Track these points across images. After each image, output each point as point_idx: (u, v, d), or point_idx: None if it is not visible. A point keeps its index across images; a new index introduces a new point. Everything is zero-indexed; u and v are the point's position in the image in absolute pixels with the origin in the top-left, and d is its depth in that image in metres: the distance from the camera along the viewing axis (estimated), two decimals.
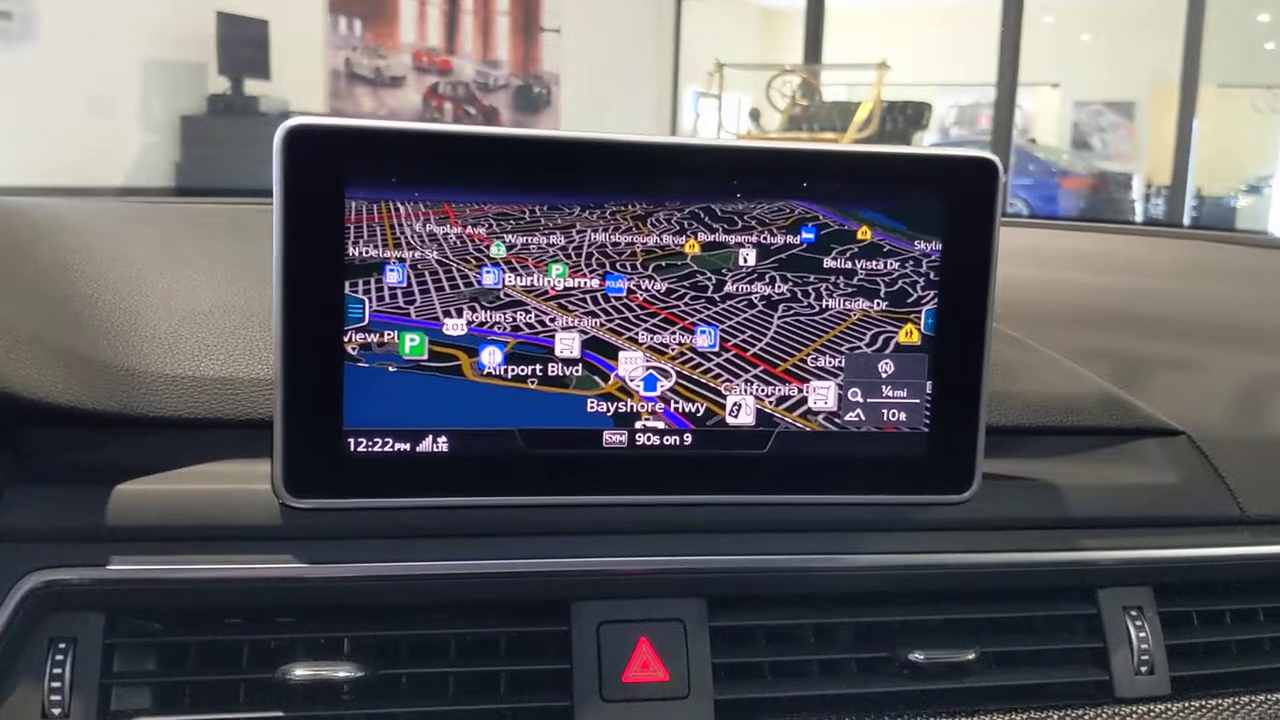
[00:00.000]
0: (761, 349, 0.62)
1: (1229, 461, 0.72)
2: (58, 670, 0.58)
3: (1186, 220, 8.04)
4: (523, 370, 0.60)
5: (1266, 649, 0.72)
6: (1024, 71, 7.89)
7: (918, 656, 0.65)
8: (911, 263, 0.63)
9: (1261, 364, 0.83)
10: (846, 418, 0.63)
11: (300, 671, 0.60)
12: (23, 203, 0.75)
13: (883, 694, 0.66)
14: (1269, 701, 0.69)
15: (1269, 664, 0.71)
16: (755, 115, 8.01)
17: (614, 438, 0.62)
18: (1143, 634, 0.68)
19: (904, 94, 7.77)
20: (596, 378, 0.61)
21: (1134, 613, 0.69)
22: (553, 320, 0.60)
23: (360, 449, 0.59)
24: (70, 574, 0.58)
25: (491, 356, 0.60)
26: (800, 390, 0.63)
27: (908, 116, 7.50)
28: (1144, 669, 0.68)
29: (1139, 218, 9.08)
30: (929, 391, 0.64)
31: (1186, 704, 0.68)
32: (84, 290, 0.67)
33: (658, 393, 0.62)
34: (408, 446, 0.60)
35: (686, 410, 0.62)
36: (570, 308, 0.60)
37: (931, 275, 0.63)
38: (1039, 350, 0.78)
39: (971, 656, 0.66)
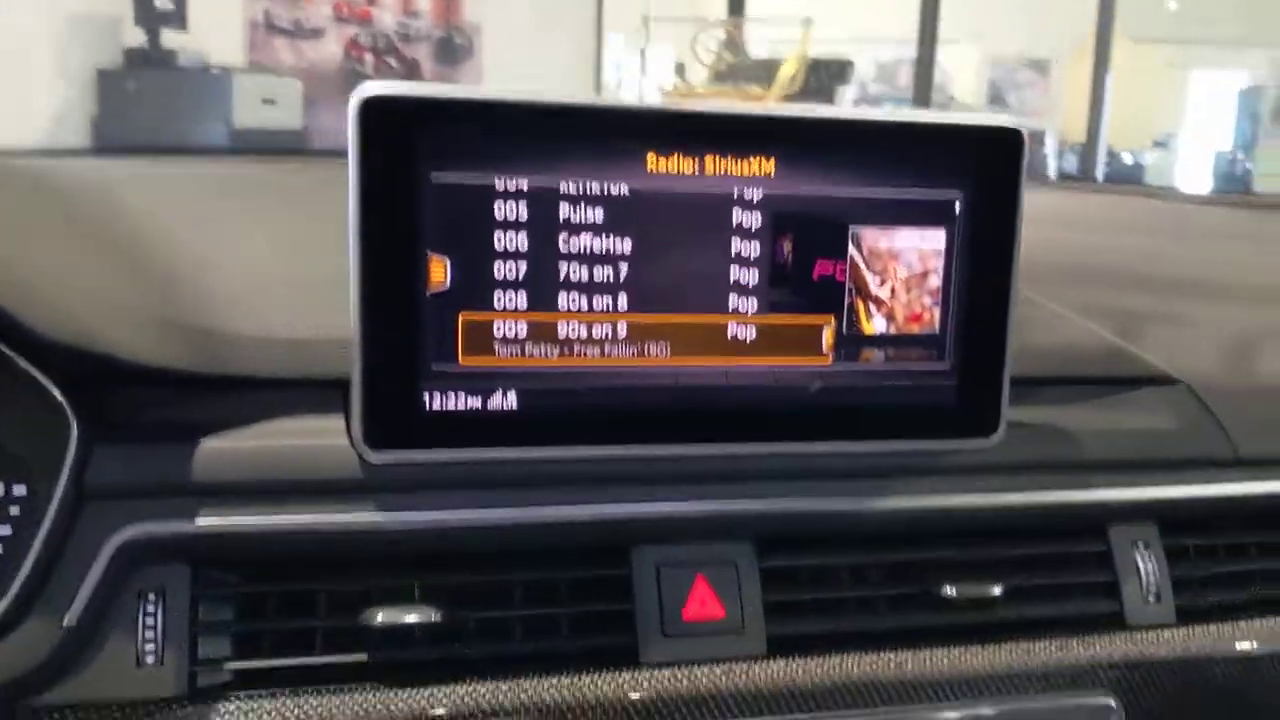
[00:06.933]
0: None
1: (1224, 407, 0.78)
2: (149, 621, 0.60)
3: (1100, 177, 8.22)
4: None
5: (1260, 580, 0.78)
6: (944, 28, 7.97)
7: (949, 591, 0.70)
8: (939, 220, 0.67)
9: (1250, 317, 0.89)
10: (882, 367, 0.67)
11: (375, 618, 0.63)
12: (83, 166, 0.76)
13: (917, 627, 0.70)
14: (1263, 627, 0.76)
15: (1262, 593, 0.77)
16: (680, 70, 8.00)
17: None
18: (1150, 566, 0.74)
19: (827, 50, 7.81)
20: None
21: (1141, 547, 0.75)
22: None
23: (436, 404, 0.62)
24: (159, 528, 0.60)
25: (568, 325, 0.63)
26: None
27: (831, 73, 7.54)
28: (1152, 599, 0.74)
29: (1052, 174, 9.27)
30: (958, 343, 0.68)
31: (1190, 630, 0.74)
32: (161, 254, 0.68)
33: None
34: (480, 401, 0.63)
35: None
36: None
37: (959, 232, 0.67)
38: (1045, 305, 0.83)
39: (998, 591, 0.71)
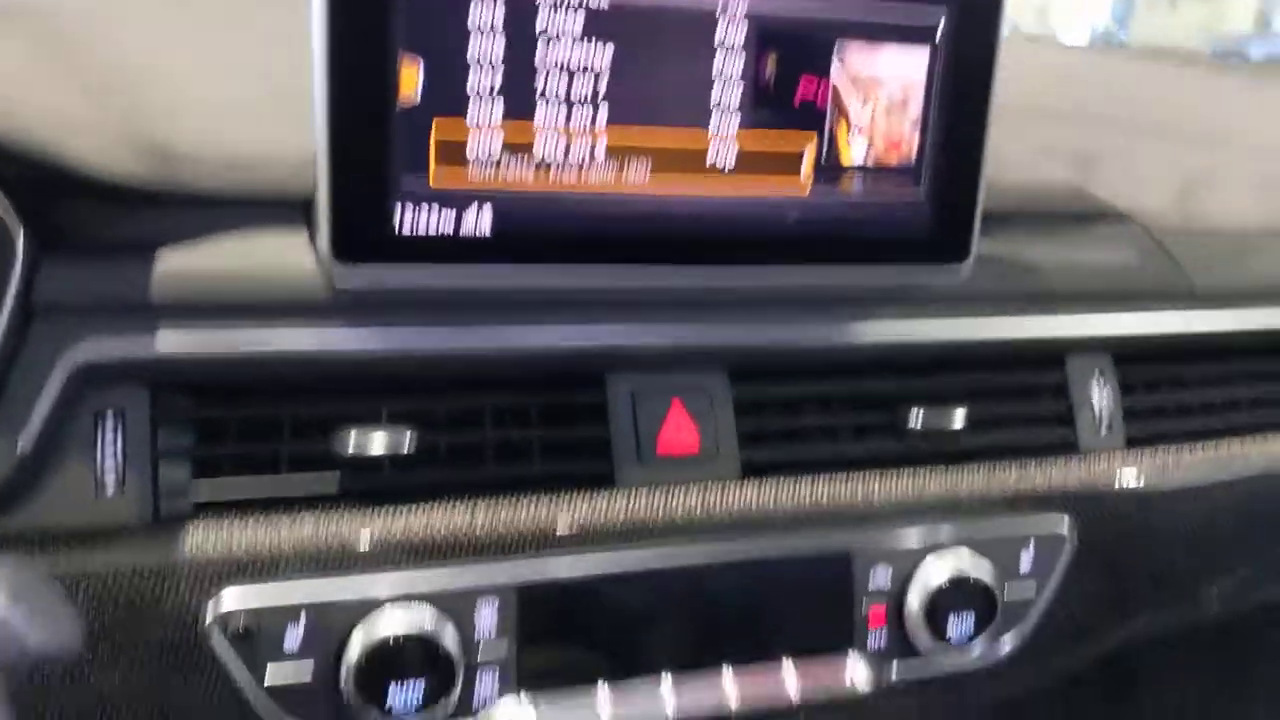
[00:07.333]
0: None
1: (1179, 244, 0.79)
2: (108, 446, 0.57)
3: None
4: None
5: (1210, 411, 0.81)
6: None
7: (915, 420, 0.71)
8: (921, 40, 0.65)
9: (1202, 159, 0.90)
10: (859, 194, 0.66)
11: (341, 443, 0.61)
12: None
13: (884, 454, 0.71)
14: (1207, 456, 0.79)
15: (1211, 422, 0.80)
16: None
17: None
18: (1103, 397, 0.76)
19: None
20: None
21: (1097, 377, 0.76)
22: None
23: (407, 223, 0.59)
24: (114, 348, 0.57)
25: (545, 141, 0.60)
26: None
27: None
28: (1104, 428, 0.76)
29: None
30: (934, 171, 0.67)
31: (1138, 456, 0.77)
32: (109, 62, 0.63)
33: None
34: (453, 222, 0.60)
35: None
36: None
37: (940, 55, 0.65)
38: (1004, 144, 0.82)
39: (961, 419, 0.72)
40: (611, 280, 0.64)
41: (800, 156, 0.65)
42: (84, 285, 0.56)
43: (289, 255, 0.60)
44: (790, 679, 0.68)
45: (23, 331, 0.55)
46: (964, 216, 0.68)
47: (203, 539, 0.58)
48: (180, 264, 0.58)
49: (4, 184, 0.54)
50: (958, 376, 0.74)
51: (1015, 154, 0.82)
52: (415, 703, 0.60)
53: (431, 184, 0.59)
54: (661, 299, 0.66)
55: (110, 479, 0.57)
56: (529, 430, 0.65)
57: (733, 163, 0.64)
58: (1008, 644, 0.74)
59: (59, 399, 0.55)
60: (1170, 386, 0.80)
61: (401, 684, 0.60)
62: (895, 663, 0.71)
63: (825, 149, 0.65)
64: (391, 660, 0.59)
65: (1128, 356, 0.78)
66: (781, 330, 0.68)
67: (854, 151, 0.66)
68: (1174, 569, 0.80)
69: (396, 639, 0.59)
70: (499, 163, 0.60)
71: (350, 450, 0.61)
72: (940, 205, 0.68)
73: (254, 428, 0.61)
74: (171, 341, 0.57)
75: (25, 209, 0.55)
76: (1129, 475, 0.76)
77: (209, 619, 0.58)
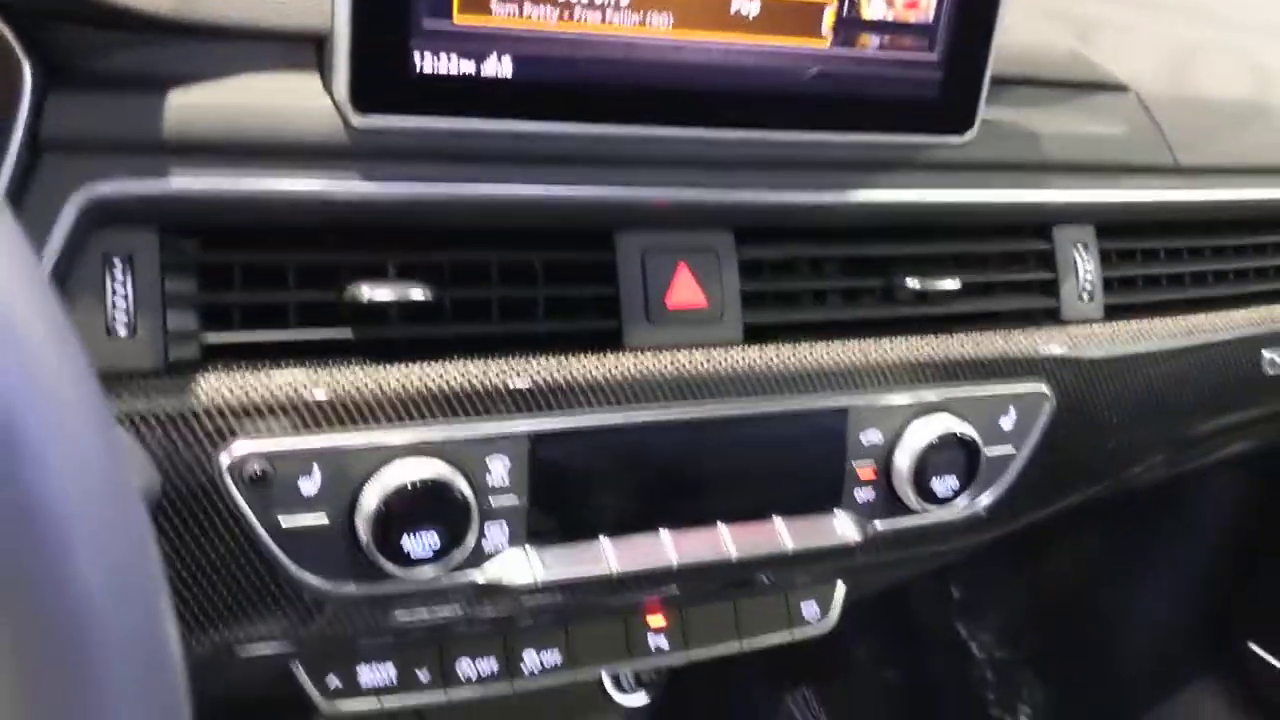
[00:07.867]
0: None
1: (1168, 116, 0.80)
2: (119, 289, 0.55)
3: None
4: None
5: (1184, 283, 0.83)
6: None
7: (912, 284, 0.72)
8: None
9: (1198, 30, 0.90)
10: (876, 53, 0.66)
11: (352, 293, 0.59)
12: None
13: (881, 318, 0.72)
14: (1177, 326, 0.81)
15: (1186, 294, 0.83)
16: None
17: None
18: (1086, 266, 0.78)
19: None
20: None
21: (1080, 248, 0.78)
22: None
23: (427, 66, 0.57)
24: (125, 186, 0.54)
25: None
26: None
27: None
28: (1085, 296, 0.78)
29: None
30: (949, 33, 0.67)
31: (1115, 325, 0.79)
32: None
33: None
34: (474, 65, 0.58)
35: None
36: None
37: None
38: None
39: (953, 285, 0.73)
40: (630, 134, 0.63)
41: (822, 11, 0.64)
42: (93, 120, 0.53)
43: (305, 96, 0.57)
44: (783, 531, 0.70)
45: (32, 167, 0.52)
46: (973, 84, 0.68)
47: (216, 385, 0.57)
48: (193, 101, 0.55)
49: (9, 10, 0.51)
50: (951, 243, 0.74)
51: (1015, 17, 0.82)
52: (429, 551, 0.60)
53: (454, 29, 0.57)
54: (673, 156, 0.65)
55: (121, 324, 0.55)
56: (537, 287, 0.64)
57: (756, 15, 0.62)
58: (986, 500, 0.76)
59: (70, 238, 0.53)
60: (1147, 258, 0.83)
61: (416, 533, 0.60)
62: (881, 518, 0.73)
63: (847, 5, 0.64)
64: (408, 509, 0.59)
65: (1110, 228, 0.80)
66: (790, 191, 0.68)
67: (874, 9, 0.65)
68: (1142, 431, 0.83)
69: (415, 486, 0.59)
70: (522, 5, 0.58)
71: (359, 301, 0.59)
72: (952, 71, 0.67)
73: (263, 276, 0.59)
74: (183, 181, 0.55)
75: (32, 37, 0.51)
76: (1106, 343, 0.78)
77: (223, 466, 0.57)
